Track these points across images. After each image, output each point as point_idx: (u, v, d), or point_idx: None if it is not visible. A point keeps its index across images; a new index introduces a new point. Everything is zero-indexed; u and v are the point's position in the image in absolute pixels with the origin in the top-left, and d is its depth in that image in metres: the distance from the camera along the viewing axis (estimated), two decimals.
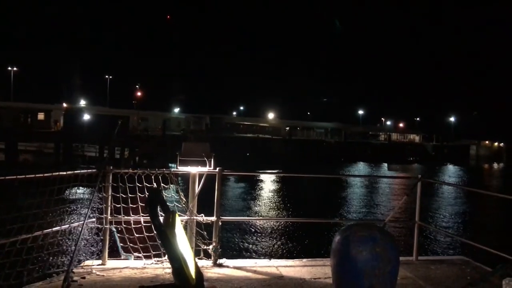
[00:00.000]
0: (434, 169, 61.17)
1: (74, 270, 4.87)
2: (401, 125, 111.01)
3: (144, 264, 5.40)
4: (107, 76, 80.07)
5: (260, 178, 35.94)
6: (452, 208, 26.72)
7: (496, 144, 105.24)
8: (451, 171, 62.81)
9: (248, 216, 20.97)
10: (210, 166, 5.65)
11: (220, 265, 5.48)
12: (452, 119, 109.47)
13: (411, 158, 79.54)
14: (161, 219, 2.68)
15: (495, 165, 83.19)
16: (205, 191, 5.72)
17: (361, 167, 63.10)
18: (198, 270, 1.55)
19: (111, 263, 5.36)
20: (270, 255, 14.15)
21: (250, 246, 15.46)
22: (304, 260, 5.91)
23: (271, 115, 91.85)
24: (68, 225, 5.24)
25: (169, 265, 5.22)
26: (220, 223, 5.65)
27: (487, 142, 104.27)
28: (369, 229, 2.37)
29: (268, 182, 34.52)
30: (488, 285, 4.83)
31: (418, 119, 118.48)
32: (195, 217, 5.58)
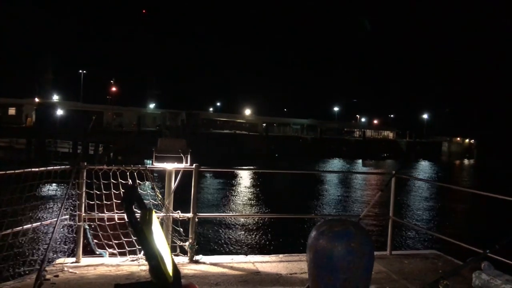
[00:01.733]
0: (407, 165, 62.34)
1: (47, 268, 4.77)
2: (375, 122, 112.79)
3: (119, 261, 5.33)
4: (80, 71, 78.52)
5: (237, 174, 35.92)
6: (425, 203, 27.30)
7: (467, 140, 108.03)
8: (423, 167, 64.10)
9: (225, 212, 20.94)
10: (186, 162, 5.62)
11: (197, 262, 5.47)
12: (425, 116, 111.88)
13: (385, 154, 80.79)
14: (138, 216, 2.64)
15: (466, 161, 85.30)
16: (181, 187, 5.69)
17: (336, 163, 63.77)
18: (175, 267, 1.53)
19: (85, 261, 5.28)
20: (247, 251, 14.18)
21: (227, 242, 15.46)
22: (281, 255, 5.95)
23: (247, 111, 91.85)
24: (40, 223, 5.14)
25: (144, 262, 5.18)
26: (196, 219, 5.63)
27: (458, 138, 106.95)
28: (345, 224, 2.41)
29: (245, 178, 34.55)
30: (459, 278, 4.97)
31: (392, 116, 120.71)
32: (171, 214, 5.54)
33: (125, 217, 4.77)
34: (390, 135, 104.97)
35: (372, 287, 2.04)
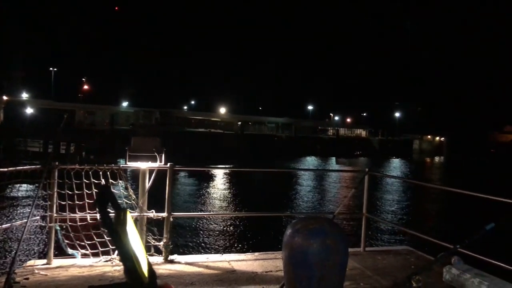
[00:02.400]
0: (380, 163, 63.37)
1: (17, 271, 4.64)
2: (348, 120, 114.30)
3: (92, 262, 5.25)
4: (51, 69, 76.67)
5: (212, 173, 35.78)
6: (397, 200, 27.82)
7: (437, 138, 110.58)
8: (395, 165, 65.30)
9: (200, 211, 20.84)
10: (161, 161, 5.57)
11: (172, 261, 5.43)
12: (397, 114, 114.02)
13: (358, 152, 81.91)
14: (112, 216, 2.60)
15: (436, 159, 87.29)
16: (156, 187, 5.63)
17: (311, 161, 64.30)
18: (150, 268, 1.52)
19: (56, 262, 5.17)
20: (222, 250, 14.16)
21: (202, 241, 15.39)
22: (256, 253, 5.96)
23: (222, 110, 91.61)
24: (9, 224, 5.00)
25: (118, 262, 5.12)
26: (171, 219, 5.59)
27: (429, 136, 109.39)
28: (319, 222, 2.43)
29: (220, 177, 34.45)
30: (431, 273, 5.09)
31: (364, 114, 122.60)
32: (145, 214, 5.48)
33: (98, 217, 4.69)
34: (363, 133, 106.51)
35: (347, 284, 2.06)
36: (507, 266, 4.01)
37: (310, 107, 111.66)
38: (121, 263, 1.51)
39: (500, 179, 44.60)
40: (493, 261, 4.19)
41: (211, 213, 21.84)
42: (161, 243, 5.49)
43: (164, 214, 5.54)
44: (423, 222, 21.27)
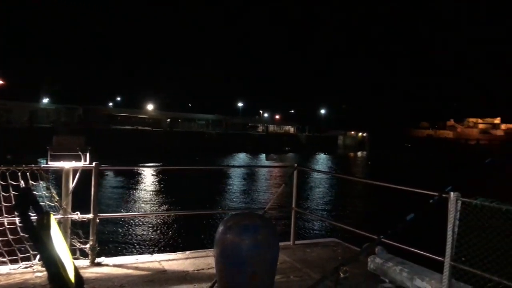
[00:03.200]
0: (308, 158, 65.31)
1: None
2: (277, 117, 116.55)
3: (10, 269, 4.91)
4: None
5: (141, 172, 34.86)
6: (325, 193, 28.84)
7: (360, 134, 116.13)
8: (322, 159, 67.59)
9: (129, 211, 20.21)
10: (85, 160, 5.34)
11: (99, 264, 5.23)
12: (322, 111, 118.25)
13: (287, 148, 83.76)
14: (34, 220, 2.43)
15: (359, 153, 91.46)
16: (80, 187, 5.39)
17: (241, 158, 64.74)
18: (77, 272, 1.44)
19: None
20: (153, 250, 13.86)
21: (132, 242, 14.97)
22: (187, 252, 5.91)
23: (150, 107, 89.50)
24: None
25: (40, 268, 4.83)
26: (97, 220, 5.38)
27: (352, 132, 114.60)
28: (251, 218, 2.46)
29: (149, 176, 33.64)
30: (357, 263, 5.34)
31: (292, 111, 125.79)
32: (69, 216, 5.23)
33: (18, 221, 4.40)
34: (291, 129, 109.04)
35: (278, 277, 2.10)
36: (425, 253, 4.31)
37: (240, 104, 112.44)
38: (43, 269, 1.42)
39: (416, 171, 47.74)
40: (413, 249, 4.48)
41: (140, 213, 21.29)
42: (87, 245, 5.27)
43: (90, 216, 5.32)
44: (349, 214, 22.23)
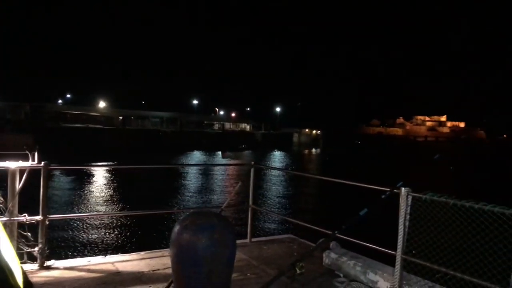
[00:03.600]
0: (264, 155, 65.74)
1: None
2: (233, 115, 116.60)
3: None
4: None
5: (93, 171, 33.83)
6: (282, 190, 29.12)
7: (314, 131, 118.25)
8: (277, 157, 68.22)
9: (80, 212, 19.56)
10: (33, 160, 5.11)
11: (49, 268, 5.03)
12: (278, 109, 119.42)
13: (243, 146, 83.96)
14: None
15: (314, 151, 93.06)
16: (28, 188, 5.15)
17: (197, 156, 64.22)
18: (26, 277, 1.38)
19: None
20: (106, 252, 13.50)
21: (84, 244, 14.51)
22: (142, 253, 5.80)
23: (102, 104, 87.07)
24: None
25: None
26: (47, 222, 5.17)
27: (307, 130, 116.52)
28: (207, 217, 2.44)
29: (101, 176, 32.71)
30: (312, 259, 5.43)
31: (248, 109, 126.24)
32: (16, 218, 4.99)
33: None
34: (247, 127, 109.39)
35: (235, 275, 2.10)
36: (378, 248, 4.43)
37: (195, 102, 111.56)
38: None
39: (369, 167, 49.15)
40: (367, 244, 4.60)
41: (93, 213, 20.67)
42: (36, 248, 5.05)
43: (39, 217, 5.10)
44: (305, 211, 22.56)
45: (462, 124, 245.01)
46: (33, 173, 5.15)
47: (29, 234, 5.08)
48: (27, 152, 5.06)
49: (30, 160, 5.07)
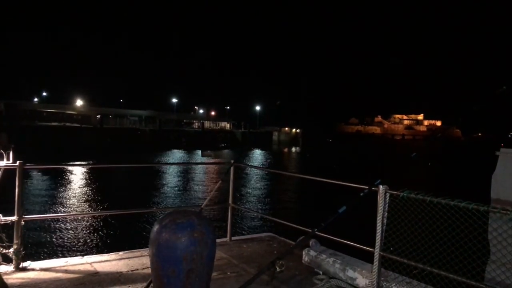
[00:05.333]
0: (244, 154, 65.73)
1: None
2: (213, 113, 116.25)
3: None
4: None
5: (70, 170, 33.27)
6: (261, 188, 29.17)
7: (294, 130, 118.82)
8: (257, 155, 68.30)
9: (57, 212, 19.22)
10: (8, 159, 5.00)
11: (24, 269, 4.93)
12: (258, 107, 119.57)
13: (223, 144, 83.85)
14: None
15: (293, 149, 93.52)
16: (3, 188, 5.03)
17: (176, 155, 63.80)
18: (1, 280, 1.34)
19: None
20: (84, 252, 13.31)
21: (61, 245, 14.26)
22: (121, 253, 5.73)
23: (79, 102, 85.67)
24: None
25: None
26: (22, 222, 5.06)
27: (286, 128, 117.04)
28: (187, 216, 2.43)
29: (78, 175, 32.19)
30: (292, 256, 5.46)
31: (228, 108, 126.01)
32: None
33: None
34: (227, 126, 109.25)
35: (215, 274, 2.10)
36: (356, 245, 4.48)
37: (174, 100, 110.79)
38: None
39: (348, 165, 49.67)
40: (345, 241, 4.65)
41: (70, 213, 20.35)
42: (11, 250, 4.94)
43: (14, 218, 4.99)
44: (285, 209, 22.66)
45: (438, 123, 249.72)
46: (8, 173, 5.04)
47: (3, 235, 4.97)
48: (2, 151, 4.95)
49: (4, 159, 4.96)
